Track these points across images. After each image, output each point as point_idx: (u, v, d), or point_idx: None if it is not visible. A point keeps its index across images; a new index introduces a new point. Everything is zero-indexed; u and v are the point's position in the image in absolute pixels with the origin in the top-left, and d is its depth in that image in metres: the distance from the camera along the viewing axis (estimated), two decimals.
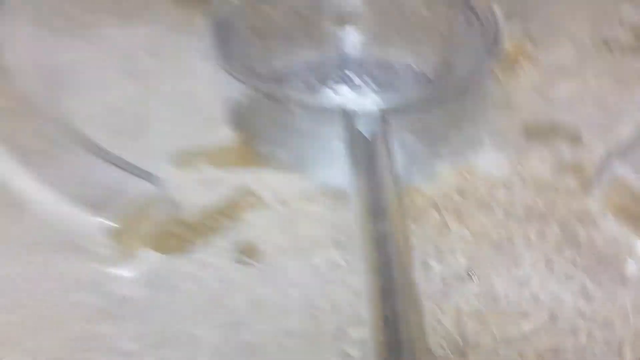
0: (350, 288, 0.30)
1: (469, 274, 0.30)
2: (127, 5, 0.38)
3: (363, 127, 0.31)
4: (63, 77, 0.35)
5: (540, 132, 0.33)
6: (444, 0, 0.36)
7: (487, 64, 0.33)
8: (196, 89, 0.35)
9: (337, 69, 0.37)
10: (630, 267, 0.30)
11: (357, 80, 0.36)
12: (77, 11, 0.38)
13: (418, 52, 0.38)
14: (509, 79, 0.35)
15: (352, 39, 0.37)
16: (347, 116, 0.31)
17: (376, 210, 0.29)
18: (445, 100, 0.32)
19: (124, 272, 0.30)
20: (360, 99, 0.34)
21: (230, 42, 0.34)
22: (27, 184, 0.30)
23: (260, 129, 0.31)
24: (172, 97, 0.35)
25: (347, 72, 0.37)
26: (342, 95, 0.36)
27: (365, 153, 0.30)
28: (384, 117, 0.31)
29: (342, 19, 0.37)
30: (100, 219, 0.28)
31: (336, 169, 0.31)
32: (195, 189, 0.31)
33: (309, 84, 0.36)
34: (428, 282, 0.30)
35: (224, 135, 0.32)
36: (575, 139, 0.33)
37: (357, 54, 0.37)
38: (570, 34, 0.39)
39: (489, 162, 0.33)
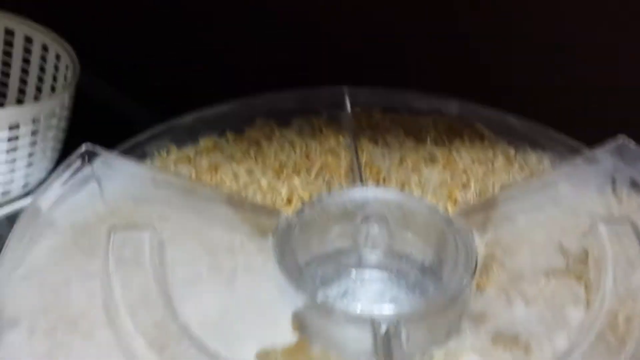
0: None
1: None
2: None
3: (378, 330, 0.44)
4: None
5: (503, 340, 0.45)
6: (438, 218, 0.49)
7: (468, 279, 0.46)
8: (262, 287, 0.46)
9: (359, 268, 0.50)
10: None
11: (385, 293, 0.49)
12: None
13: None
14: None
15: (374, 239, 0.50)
16: (372, 323, 0.44)
17: None
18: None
19: None
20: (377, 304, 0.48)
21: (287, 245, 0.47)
22: None
23: (313, 334, 0.44)
24: (246, 296, 0.46)
25: (368, 273, 0.50)
26: (363, 301, 0.48)
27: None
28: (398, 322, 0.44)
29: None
30: None
31: None
32: None
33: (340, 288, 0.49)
34: None
35: (288, 336, 0.44)
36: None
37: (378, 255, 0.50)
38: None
39: None
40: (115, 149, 0.56)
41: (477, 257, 0.48)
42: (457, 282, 0.46)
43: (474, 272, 0.47)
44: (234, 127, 0.61)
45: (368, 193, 0.53)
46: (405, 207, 0.51)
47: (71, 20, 0.70)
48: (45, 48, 0.69)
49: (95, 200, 0.54)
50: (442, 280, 0.48)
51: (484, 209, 0.52)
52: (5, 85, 0.73)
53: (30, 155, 0.63)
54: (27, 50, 0.70)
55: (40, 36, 0.69)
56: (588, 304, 0.46)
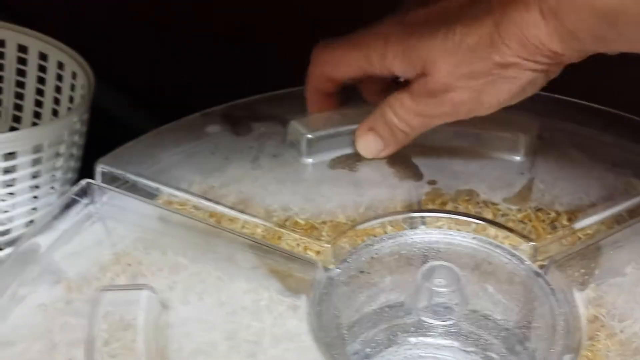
0: None
1: None
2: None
3: None
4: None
5: None
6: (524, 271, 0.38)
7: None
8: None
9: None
10: None
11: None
12: None
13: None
14: None
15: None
16: None
17: None
18: None
19: None
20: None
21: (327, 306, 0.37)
22: None
23: None
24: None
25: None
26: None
27: None
28: None
29: None
30: None
31: None
32: None
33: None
34: None
35: None
36: None
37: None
38: None
39: None
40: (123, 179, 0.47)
41: (581, 324, 0.36)
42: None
43: (579, 346, 0.35)
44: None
45: (432, 236, 0.42)
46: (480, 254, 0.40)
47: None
48: (60, 66, 0.61)
49: (101, 246, 0.45)
50: (532, 354, 0.36)
51: (583, 257, 0.40)
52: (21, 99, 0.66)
53: (53, 179, 0.55)
54: (42, 68, 0.63)
55: (56, 52, 0.61)
56: None
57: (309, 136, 0.48)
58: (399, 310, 0.41)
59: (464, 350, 0.40)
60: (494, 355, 0.38)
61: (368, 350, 0.40)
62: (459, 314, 0.38)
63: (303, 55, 0.49)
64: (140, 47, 0.75)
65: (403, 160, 0.48)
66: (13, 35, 0.63)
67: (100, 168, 0.47)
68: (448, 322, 0.39)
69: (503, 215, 0.44)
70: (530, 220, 0.43)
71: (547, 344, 0.36)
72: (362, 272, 0.40)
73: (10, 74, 0.65)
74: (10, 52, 0.64)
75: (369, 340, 0.40)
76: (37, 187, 0.55)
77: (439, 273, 0.37)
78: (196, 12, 0.72)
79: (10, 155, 0.51)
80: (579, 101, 0.51)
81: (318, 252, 0.42)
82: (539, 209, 0.44)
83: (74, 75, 0.60)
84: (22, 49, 0.63)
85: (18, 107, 0.66)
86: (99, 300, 0.37)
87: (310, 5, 0.65)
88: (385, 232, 0.43)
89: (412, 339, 0.40)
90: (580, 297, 0.39)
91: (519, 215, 0.44)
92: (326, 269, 0.41)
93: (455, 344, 0.40)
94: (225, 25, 0.69)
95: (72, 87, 0.61)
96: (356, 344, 0.39)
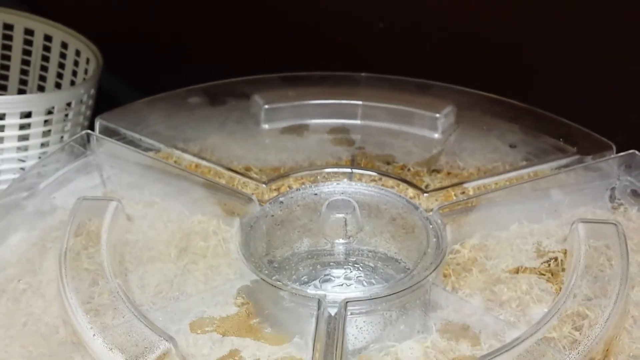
0: None
1: None
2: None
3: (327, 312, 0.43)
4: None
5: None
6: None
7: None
8: (221, 269, 0.47)
9: (327, 266, 0.49)
10: None
11: (340, 279, 0.48)
12: None
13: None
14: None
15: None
16: (319, 304, 0.43)
17: None
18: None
19: None
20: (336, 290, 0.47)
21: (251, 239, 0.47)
22: None
23: (258, 308, 0.43)
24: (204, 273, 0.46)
25: (334, 271, 0.48)
26: (323, 289, 0.47)
27: (326, 332, 0.41)
28: (346, 305, 0.43)
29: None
30: None
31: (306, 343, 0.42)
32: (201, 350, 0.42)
33: (301, 274, 0.48)
34: None
35: (231, 310, 0.44)
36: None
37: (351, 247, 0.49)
38: None
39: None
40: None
41: (445, 250, 0.46)
42: (419, 274, 0.44)
43: (439, 265, 0.45)
44: None
45: (351, 187, 0.52)
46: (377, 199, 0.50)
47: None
48: (64, 45, 0.72)
49: (94, 187, 0.56)
50: (409, 271, 0.46)
51: (469, 210, 0.50)
52: (25, 82, 0.77)
53: (61, 140, 0.65)
54: (46, 48, 0.74)
55: (60, 33, 0.72)
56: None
57: (267, 107, 0.59)
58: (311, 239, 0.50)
59: (356, 270, 0.49)
60: (371, 264, 0.48)
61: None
62: (354, 237, 0.48)
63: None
64: (141, 38, 0.85)
65: (341, 131, 0.59)
66: (20, 19, 0.74)
67: (99, 122, 0.58)
68: (346, 241, 0.48)
69: (414, 175, 0.54)
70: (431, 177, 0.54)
71: (415, 262, 0.46)
72: (287, 209, 0.51)
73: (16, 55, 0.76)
74: (17, 35, 0.74)
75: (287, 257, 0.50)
76: (47, 144, 0.65)
77: (339, 203, 0.48)
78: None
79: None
80: (496, 96, 0.61)
81: (255, 190, 0.52)
82: (439, 171, 0.54)
83: (77, 53, 0.70)
84: (29, 32, 0.74)
85: (23, 82, 0.77)
86: (77, 207, 0.48)
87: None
88: (315, 182, 0.53)
89: (316, 263, 0.50)
90: (467, 243, 0.48)
91: (425, 177, 0.54)
92: (260, 204, 0.51)
93: (350, 264, 0.49)
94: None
95: (76, 63, 0.71)
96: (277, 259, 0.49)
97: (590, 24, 0.64)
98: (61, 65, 0.73)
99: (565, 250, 0.47)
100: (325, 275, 0.47)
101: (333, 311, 0.43)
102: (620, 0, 0.60)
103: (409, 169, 0.55)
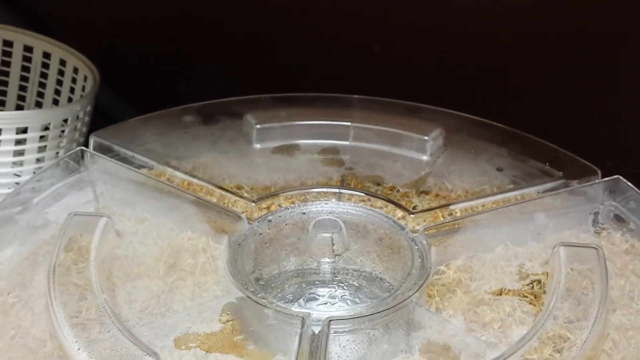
0: None
1: None
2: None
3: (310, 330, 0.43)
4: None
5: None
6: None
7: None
8: (208, 285, 0.47)
9: (313, 285, 0.49)
10: None
11: (325, 297, 0.49)
12: None
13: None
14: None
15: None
16: (302, 322, 0.43)
17: None
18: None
19: None
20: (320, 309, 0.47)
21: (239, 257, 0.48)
22: None
23: (243, 325, 0.44)
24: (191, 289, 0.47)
25: (319, 290, 0.49)
26: (308, 307, 0.47)
27: (309, 350, 0.42)
28: (329, 324, 0.43)
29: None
30: None
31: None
32: None
33: (287, 292, 0.49)
34: None
35: (216, 326, 0.45)
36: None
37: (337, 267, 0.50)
38: None
39: None
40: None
41: (429, 271, 0.46)
42: (403, 294, 0.45)
43: (422, 286, 0.45)
44: None
45: (339, 207, 0.53)
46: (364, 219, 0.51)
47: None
48: (63, 63, 0.73)
49: (88, 203, 0.56)
50: (393, 291, 0.46)
51: (454, 231, 0.51)
52: (23, 98, 0.78)
53: (56, 156, 0.66)
54: (45, 65, 0.75)
55: (59, 51, 0.73)
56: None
57: (258, 127, 0.60)
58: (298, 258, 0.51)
59: (343, 289, 0.50)
60: (356, 283, 0.49)
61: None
62: (341, 256, 0.49)
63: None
64: (139, 51, 0.86)
65: (332, 151, 0.60)
66: (19, 37, 0.75)
67: (93, 139, 0.59)
68: (333, 260, 0.49)
69: (403, 196, 0.55)
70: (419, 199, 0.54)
71: (400, 282, 0.46)
72: (275, 227, 0.52)
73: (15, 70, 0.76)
74: (17, 52, 0.75)
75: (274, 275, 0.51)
76: (42, 159, 0.66)
77: (326, 222, 0.48)
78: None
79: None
80: (484, 119, 0.62)
81: (245, 208, 0.53)
82: (427, 192, 0.55)
83: (75, 71, 0.72)
84: (28, 49, 0.75)
85: (21, 98, 0.78)
86: (68, 222, 0.49)
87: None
88: (304, 201, 0.54)
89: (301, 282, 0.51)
90: (452, 265, 0.49)
91: (413, 199, 0.55)
92: (249, 222, 0.52)
93: (335, 283, 0.50)
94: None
95: (74, 81, 0.72)
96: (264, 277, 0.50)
97: (580, 48, 0.65)
98: (59, 82, 0.74)
99: (547, 272, 0.47)
100: (310, 293, 0.48)
101: (317, 329, 0.43)
102: (608, 25, 0.61)
103: (397, 190, 0.56)
